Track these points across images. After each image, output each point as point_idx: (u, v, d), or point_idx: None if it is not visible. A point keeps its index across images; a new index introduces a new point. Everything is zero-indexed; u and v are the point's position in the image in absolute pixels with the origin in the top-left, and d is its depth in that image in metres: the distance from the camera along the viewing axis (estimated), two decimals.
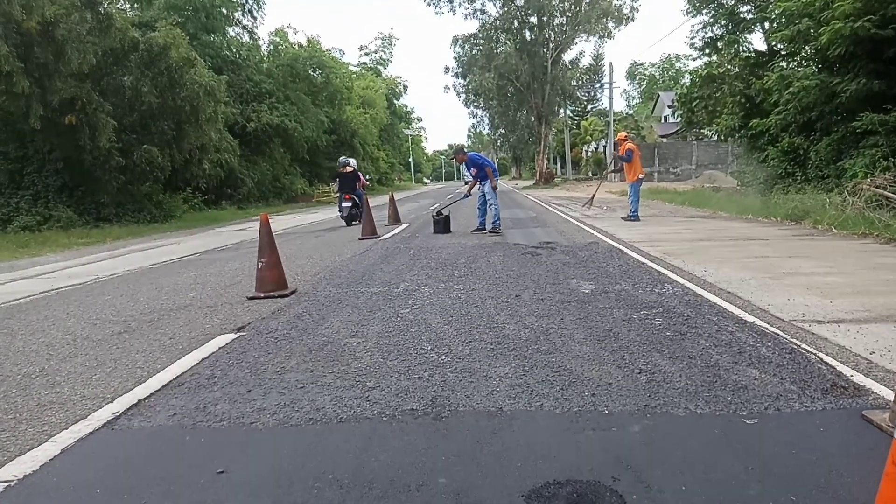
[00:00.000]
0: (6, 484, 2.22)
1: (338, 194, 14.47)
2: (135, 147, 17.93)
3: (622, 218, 12.07)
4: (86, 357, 3.91)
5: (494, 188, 10.41)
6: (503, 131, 52.85)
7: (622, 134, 13.43)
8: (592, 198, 16.47)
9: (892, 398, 2.48)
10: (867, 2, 10.53)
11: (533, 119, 44.59)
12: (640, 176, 12.07)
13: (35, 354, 4.06)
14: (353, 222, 13.18)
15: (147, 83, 17.97)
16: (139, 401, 3.02)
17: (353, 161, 14.82)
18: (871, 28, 10.34)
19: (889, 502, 1.46)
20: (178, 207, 21.06)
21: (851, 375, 2.96)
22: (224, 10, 29.23)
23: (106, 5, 17.50)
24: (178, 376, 3.37)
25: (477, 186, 10.93)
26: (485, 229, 10.49)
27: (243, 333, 4.28)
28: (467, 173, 11.06)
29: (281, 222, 16.53)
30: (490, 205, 10.39)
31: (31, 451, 2.49)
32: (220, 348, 3.91)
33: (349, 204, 13.27)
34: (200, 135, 20.44)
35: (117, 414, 2.86)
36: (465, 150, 11.13)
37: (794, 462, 2.14)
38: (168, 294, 6.16)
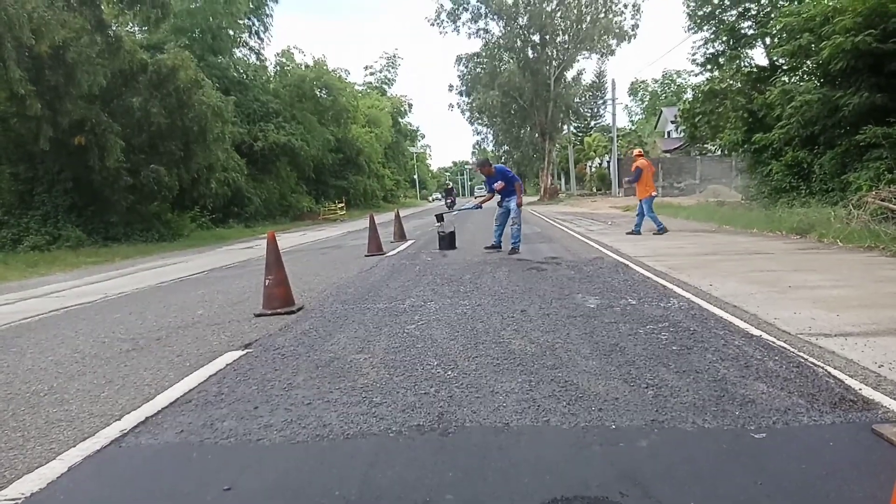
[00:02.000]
0: (13, 502, 2.23)
1: (444, 196, 25.37)
2: (143, 167, 18.13)
3: (653, 233, 11.88)
4: (94, 375, 3.93)
5: (519, 205, 9.80)
6: (507, 148, 53.05)
7: (637, 151, 13.30)
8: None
9: None
10: (868, 16, 10.61)
11: (537, 136, 44.75)
12: (653, 193, 12.00)
13: (44, 372, 4.08)
14: (451, 208, 19.56)
15: (156, 104, 18.23)
16: (147, 418, 3.03)
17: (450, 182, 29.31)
18: (872, 42, 10.40)
19: None
20: (186, 226, 21.25)
21: (860, 389, 2.94)
22: (231, 32, 29.73)
23: (115, 28, 17.85)
24: (185, 393, 3.38)
25: (492, 201, 10.50)
26: (500, 248, 9.93)
27: (250, 350, 4.30)
28: (485, 187, 10.37)
29: (288, 240, 16.60)
30: (514, 223, 9.69)
31: (38, 469, 2.50)
32: (227, 365, 3.92)
33: (450, 200, 20.40)
34: (208, 154, 20.66)
35: (125, 431, 2.87)
36: (490, 162, 10.34)
37: (803, 476, 2.13)
38: (176, 312, 6.19)
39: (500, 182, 9.80)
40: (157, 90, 18.57)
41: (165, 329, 5.32)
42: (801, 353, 3.55)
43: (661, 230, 11.84)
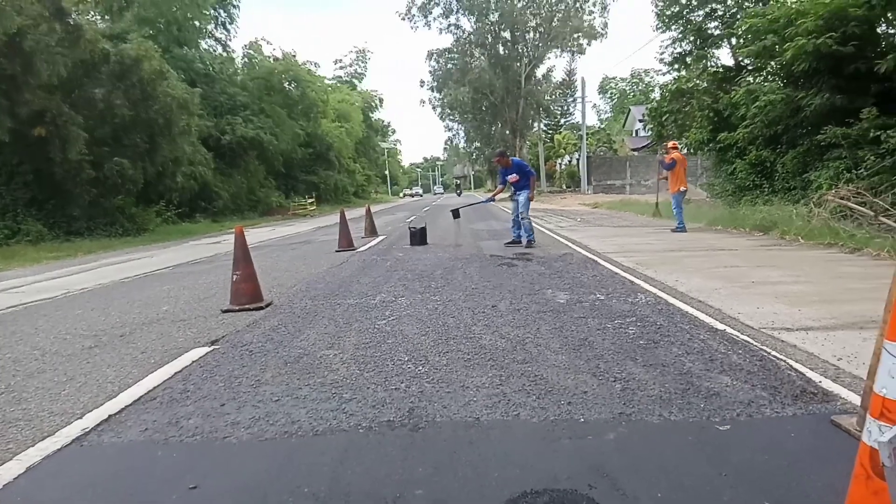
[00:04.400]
0: None
1: (457, 188, 42.61)
2: (106, 160, 17.69)
3: (671, 230, 11.84)
4: (54, 372, 3.82)
5: (531, 199, 9.84)
6: (478, 144, 53.26)
7: (672, 143, 13.07)
8: (657, 206, 15.82)
9: (859, 403, 2.54)
10: (829, 19, 10.87)
11: (507, 132, 45.02)
12: (682, 188, 11.87)
13: (1, 371, 3.95)
14: (460, 196, 21.92)
15: (119, 95, 17.81)
16: (109, 416, 2.96)
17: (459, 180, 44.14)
18: (832, 45, 10.66)
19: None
20: (151, 221, 20.77)
21: (820, 381, 3.03)
22: (197, 24, 29.13)
23: (75, 16, 17.33)
24: (149, 391, 3.31)
25: (504, 195, 10.62)
26: (521, 242, 9.88)
27: (217, 347, 4.23)
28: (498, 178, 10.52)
29: (256, 235, 16.38)
30: (521, 217, 9.78)
31: None
32: (193, 362, 3.85)
33: (459, 192, 26.10)
34: (174, 147, 20.27)
35: (86, 430, 2.80)
36: (508, 153, 10.24)
37: (766, 467, 2.18)
38: (140, 308, 6.05)
39: (514, 175, 9.80)
40: (121, 81, 18.13)
41: (129, 325, 5.20)
42: (764, 347, 3.64)
43: (680, 229, 11.68)
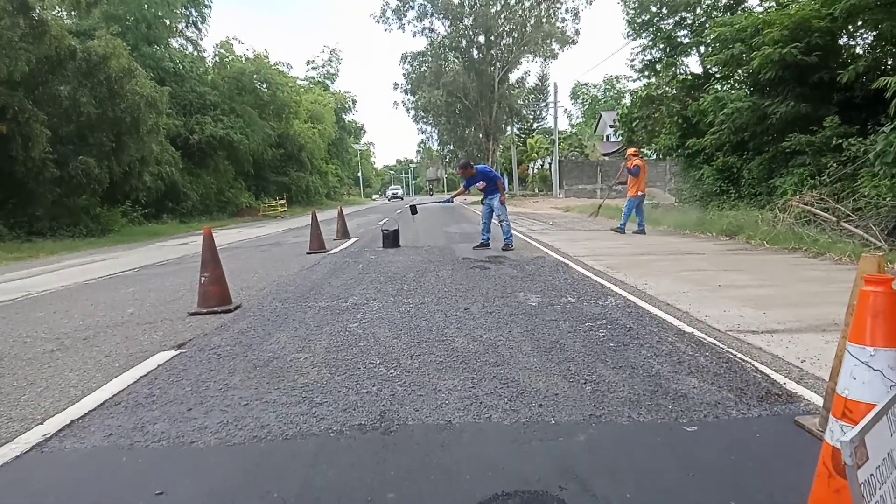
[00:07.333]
0: None
1: (429, 190, 45.76)
2: (71, 158, 17.25)
3: (611, 229, 12.28)
4: (14, 377, 3.71)
5: (503, 203, 10.03)
6: (452, 147, 53.37)
7: (633, 150, 13.35)
8: (599, 208, 17.19)
9: (821, 404, 2.60)
10: (793, 30, 11.17)
11: (481, 136, 45.23)
12: (640, 193, 12.17)
13: None
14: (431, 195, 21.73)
15: (85, 93, 17.41)
16: (72, 421, 2.88)
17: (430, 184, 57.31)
18: (797, 54, 10.96)
19: (820, 502, 1.53)
20: (117, 221, 20.33)
21: (784, 383, 3.09)
22: (167, 22, 28.63)
23: (39, 11, 16.88)
24: (114, 395, 3.23)
25: (463, 197, 10.83)
26: (488, 245, 10.07)
27: (184, 350, 4.15)
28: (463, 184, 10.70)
29: (225, 237, 16.14)
30: (501, 221, 9.96)
31: None
32: (159, 366, 3.77)
33: (430, 193, 24.05)
34: (141, 147, 19.88)
35: (48, 436, 2.72)
36: (472, 163, 10.40)
37: (732, 468, 2.22)
38: (105, 310, 5.91)
39: (481, 182, 9.98)
40: (87, 78, 17.74)
41: (93, 328, 5.08)
42: (731, 350, 3.70)
43: (641, 230, 12.08)
